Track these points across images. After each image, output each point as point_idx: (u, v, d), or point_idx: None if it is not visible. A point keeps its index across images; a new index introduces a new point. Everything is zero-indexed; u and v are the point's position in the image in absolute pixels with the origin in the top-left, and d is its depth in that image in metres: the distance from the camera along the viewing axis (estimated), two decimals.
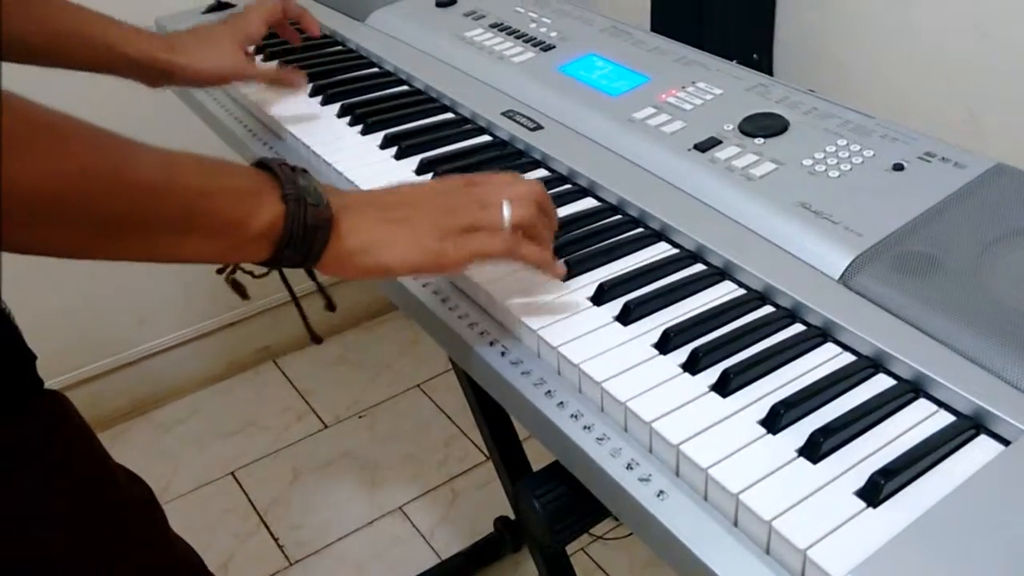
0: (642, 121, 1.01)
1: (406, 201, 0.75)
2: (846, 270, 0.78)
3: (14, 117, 0.54)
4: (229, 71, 1.11)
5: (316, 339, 0.96)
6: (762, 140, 0.94)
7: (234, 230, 0.66)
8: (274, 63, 1.34)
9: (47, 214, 0.57)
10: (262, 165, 0.71)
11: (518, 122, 1.08)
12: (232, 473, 2.12)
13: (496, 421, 1.33)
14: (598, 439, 0.69)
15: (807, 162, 0.90)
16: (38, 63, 0.98)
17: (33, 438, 0.78)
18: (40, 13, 0.98)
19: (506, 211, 0.75)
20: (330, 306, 0.92)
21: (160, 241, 0.63)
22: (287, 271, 0.79)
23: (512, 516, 1.84)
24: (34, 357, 0.81)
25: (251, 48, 1.18)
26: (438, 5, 1.38)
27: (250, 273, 0.77)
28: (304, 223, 0.68)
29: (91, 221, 0.59)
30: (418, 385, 2.34)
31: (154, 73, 1.06)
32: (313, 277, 0.85)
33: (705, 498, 0.63)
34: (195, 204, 0.64)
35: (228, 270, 0.86)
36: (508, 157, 1.05)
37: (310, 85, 1.25)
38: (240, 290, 0.91)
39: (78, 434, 0.84)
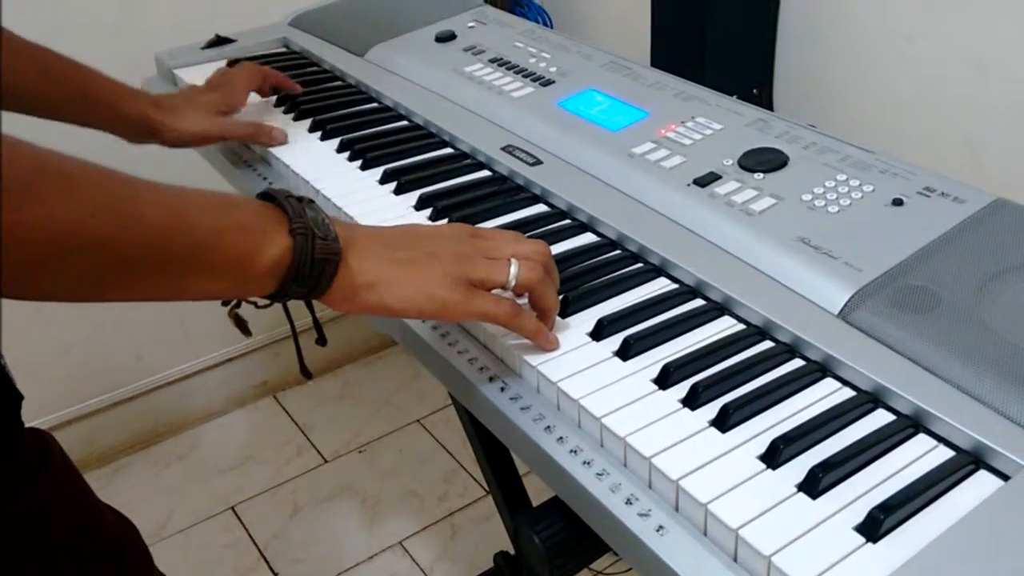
0: (642, 156, 1.01)
1: (415, 243, 0.74)
2: (845, 305, 0.78)
3: (23, 164, 0.54)
4: (210, 133, 1.16)
5: (307, 374, 0.96)
6: (761, 175, 0.94)
7: (242, 267, 0.66)
8: (271, 99, 1.34)
9: (60, 259, 0.56)
10: (268, 197, 0.70)
11: (518, 157, 1.08)
12: (232, 508, 2.11)
13: (496, 456, 1.32)
14: (598, 474, 0.68)
15: (806, 197, 0.90)
16: (37, 115, 0.99)
17: (14, 480, 0.76)
18: (53, 72, 1.01)
19: (513, 269, 0.75)
20: (321, 340, 0.91)
21: (169, 280, 0.63)
22: (290, 304, 0.79)
23: (512, 551, 1.82)
24: (20, 398, 0.78)
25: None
26: (438, 40, 1.38)
27: (253, 303, 0.77)
28: (312, 257, 0.67)
29: (103, 263, 0.59)
30: (418, 420, 2.33)
31: (142, 131, 1.10)
32: (311, 310, 0.85)
33: (705, 533, 0.63)
34: (206, 241, 0.63)
35: (232, 304, 0.86)
36: (508, 192, 1.05)
37: (309, 120, 1.25)
38: (242, 326, 0.91)
39: (61, 474, 0.82)
